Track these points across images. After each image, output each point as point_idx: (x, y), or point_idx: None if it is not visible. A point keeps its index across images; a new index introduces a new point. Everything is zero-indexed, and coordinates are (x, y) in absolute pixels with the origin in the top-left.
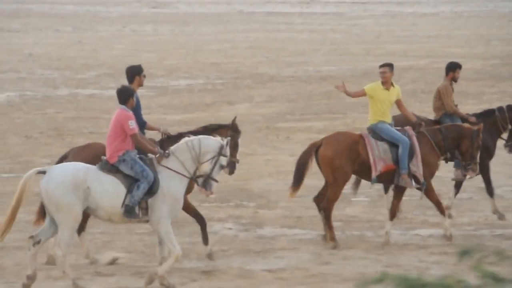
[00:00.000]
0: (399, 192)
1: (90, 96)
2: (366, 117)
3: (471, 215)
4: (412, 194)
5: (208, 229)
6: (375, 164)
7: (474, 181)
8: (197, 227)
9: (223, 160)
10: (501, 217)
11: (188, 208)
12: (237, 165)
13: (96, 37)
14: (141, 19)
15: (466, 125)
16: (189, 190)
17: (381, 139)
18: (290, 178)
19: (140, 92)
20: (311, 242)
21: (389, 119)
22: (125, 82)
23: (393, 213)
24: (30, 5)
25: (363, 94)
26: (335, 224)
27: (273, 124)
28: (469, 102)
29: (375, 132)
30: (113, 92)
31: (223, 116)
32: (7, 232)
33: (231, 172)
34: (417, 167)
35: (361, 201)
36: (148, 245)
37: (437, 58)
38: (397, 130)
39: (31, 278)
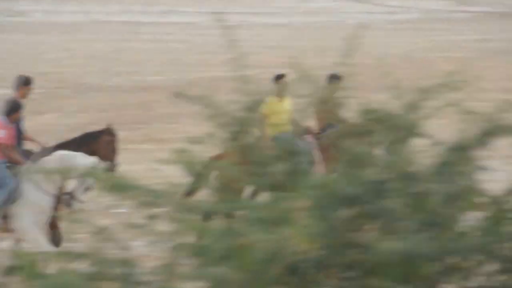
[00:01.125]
0: None
1: None
2: (171, 127)
3: None
4: None
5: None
6: None
7: None
8: None
9: (87, 182)
10: None
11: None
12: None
13: None
14: None
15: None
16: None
17: None
18: None
19: None
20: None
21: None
22: None
23: None
24: None
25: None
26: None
27: (75, 135)
28: None
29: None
30: None
31: (28, 126)
32: None
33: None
34: None
35: (122, 212)
36: None
37: (264, 69)
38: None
39: None
